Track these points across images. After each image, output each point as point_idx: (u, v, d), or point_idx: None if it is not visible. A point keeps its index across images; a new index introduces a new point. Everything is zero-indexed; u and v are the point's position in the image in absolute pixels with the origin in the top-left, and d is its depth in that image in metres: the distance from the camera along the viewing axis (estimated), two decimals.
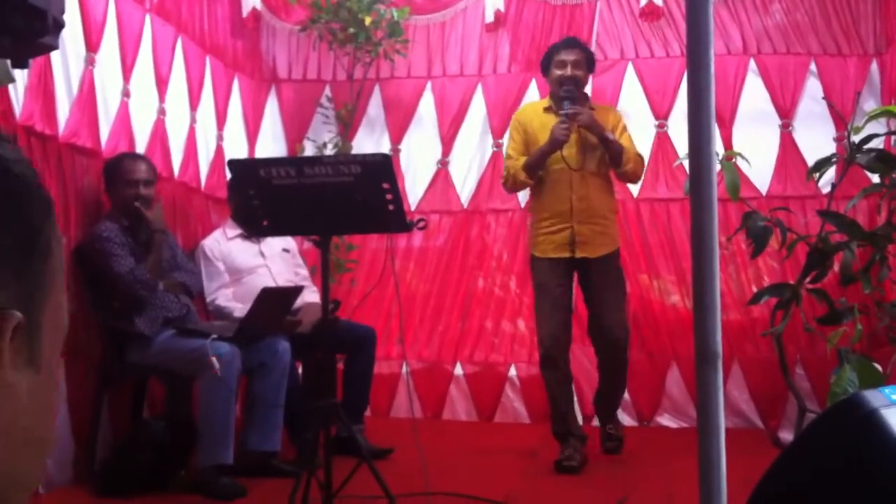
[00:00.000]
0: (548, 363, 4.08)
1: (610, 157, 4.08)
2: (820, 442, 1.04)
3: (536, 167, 4.08)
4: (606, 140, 4.01)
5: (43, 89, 3.53)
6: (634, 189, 5.17)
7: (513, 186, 4.29)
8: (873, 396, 1.00)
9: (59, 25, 2.13)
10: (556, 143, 3.94)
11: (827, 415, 1.10)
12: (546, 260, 4.11)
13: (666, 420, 5.00)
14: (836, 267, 4.09)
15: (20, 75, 3.26)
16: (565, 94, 4.00)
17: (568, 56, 4.12)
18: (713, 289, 1.41)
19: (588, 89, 4.48)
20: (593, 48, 5.27)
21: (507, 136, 4.50)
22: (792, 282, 4.15)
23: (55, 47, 2.22)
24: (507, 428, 4.96)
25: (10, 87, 3.22)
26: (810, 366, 4.77)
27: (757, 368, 4.86)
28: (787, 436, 4.54)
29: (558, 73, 4.11)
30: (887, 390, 1.01)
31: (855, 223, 3.95)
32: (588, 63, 4.22)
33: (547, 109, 4.21)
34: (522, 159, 4.11)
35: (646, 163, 4.11)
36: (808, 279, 4.05)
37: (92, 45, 3.87)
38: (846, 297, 4.09)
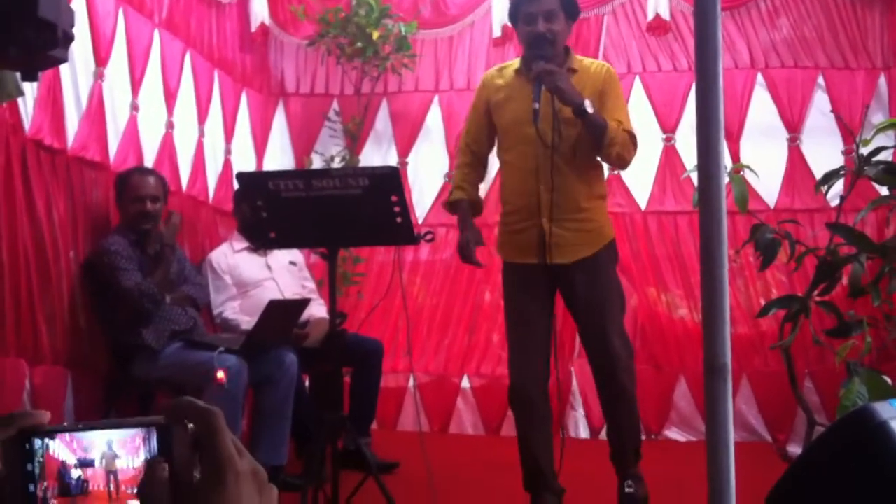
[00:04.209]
0: (518, 399, 3.32)
1: (589, 135, 3.21)
2: (830, 453, 1.04)
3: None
4: (583, 114, 3.12)
5: (52, 103, 3.55)
6: (642, 202, 5.18)
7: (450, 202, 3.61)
8: (883, 408, 1.00)
9: (69, 38, 2.13)
10: (461, 252, 3.44)
11: (837, 427, 1.10)
12: (515, 265, 3.37)
13: (674, 433, 4.99)
14: (844, 280, 4.08)
15: (29, 88, 3.29)
16: (535, 55, 3.21)
17: (537, 7, 3.23)
18: (722, 299, 1.40)
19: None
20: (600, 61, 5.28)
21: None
22: (800, 294, 4.13)
23: (64, 60, 2.22)
24: (514, 441, 4.92)
25: (20, 100, 3.24)
26: (819, 379, 4.76)
27: (765, 382, 4.85)
28: (795, 449, 4.52)
29: (526, 29, 3.27)
30: None
31: (864, 235, 3.94)
32: (567, 8, 3.28)
33: (518, 72, 3.39)
34: (470, 164, 3.55)
35: (637, 142, 3.31)
36: (816, 292, 4.04)
37: (101, 59, 3.89)
38: (855, 310, 4.08)
